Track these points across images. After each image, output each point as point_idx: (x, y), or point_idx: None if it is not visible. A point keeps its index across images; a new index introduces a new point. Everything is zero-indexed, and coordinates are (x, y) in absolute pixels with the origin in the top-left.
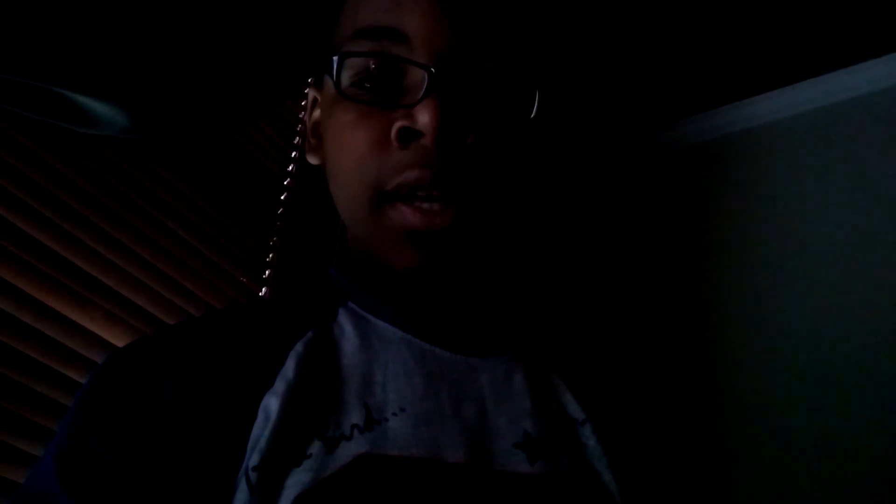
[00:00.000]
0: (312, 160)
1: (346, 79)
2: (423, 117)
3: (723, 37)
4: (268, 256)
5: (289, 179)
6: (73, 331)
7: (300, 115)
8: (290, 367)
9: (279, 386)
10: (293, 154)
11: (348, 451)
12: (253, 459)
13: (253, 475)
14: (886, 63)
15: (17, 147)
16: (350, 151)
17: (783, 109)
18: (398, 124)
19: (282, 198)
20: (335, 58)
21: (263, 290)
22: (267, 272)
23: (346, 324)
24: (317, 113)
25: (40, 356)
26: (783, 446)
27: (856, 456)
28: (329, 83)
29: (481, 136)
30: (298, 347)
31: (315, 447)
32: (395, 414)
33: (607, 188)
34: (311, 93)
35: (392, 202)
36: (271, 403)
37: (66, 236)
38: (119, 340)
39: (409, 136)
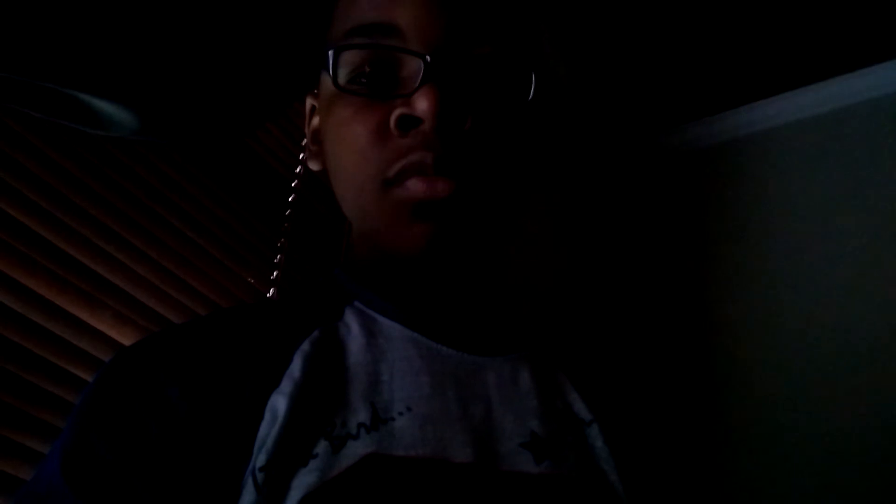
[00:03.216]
0: (314, 166)
1: (342, 76)
2: (422, 104)
3: (732, 39)
4: (275, 257)
5: (296, 181)
6: (83, 330)
7: (307, 114)
8: (296, 366)
9: (286, 385)
10: (300, 155)
11: (355, 450)
12: (260, 459)
13: (260, 475)
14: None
15: (28, 148)
16: (351, 145)
17: (791, 113)
18: (397, 112)
19: (289, 199)
20: (330, 52)
21: (271, 290)
22: (274, 273)
23: (352, 323)
24: (315, 121)
25: (50, 355)
26: (789, 448)
27: (860, 459)
28: (326, 83)
29: (480, 119)
30: (305, 346)
31: (321, 447)
32: (401, 413)
33: (615, 189)
34: (308, 101)
35: (399, 182)
36: (278, 403)
37: (76, 236)
38: (127, 340)
39: (409, 123)
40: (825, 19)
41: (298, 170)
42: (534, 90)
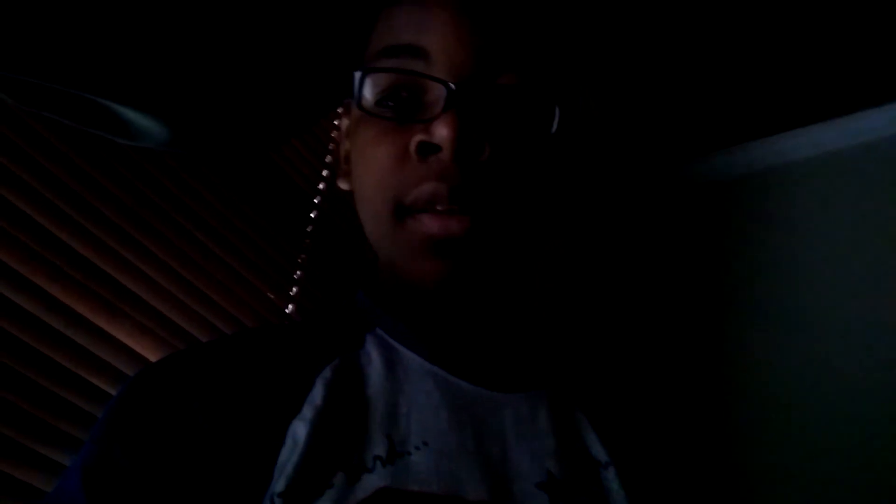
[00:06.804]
0: (343, 185)
1: (370, 97)
2: (441, 131)
3: (757, 72)
4: (295, 273)
5: (319, 198)
6: (102, 339)
7: (332, 134)
8: (318, 393)
9: (307, 412)
10: (324, 172)
11: (370, 483)
12: (279, 485)
13: (277, 501)
14: None
15: (56, 155)
16: (372, 167)
17: (816, 146)
18: (417, 138)
19: (311, 215)
20: (357, 74)
21: (290, 307)
22: (294, 289)
23: (373, 352)
24: (348, 142)
25: (69, 363)
26: (811, 489)
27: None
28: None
29: (499, 149)
30: (326, 373)
31: (338, 477)
32: (417, 448)
33: (636, 219)
34: (344, 121)
35: (412, 214)
36: (299, 430)
37: (99, 245)
38: (146, 351)
39: (428, 149)
40: (851, 53)
41: (321, 186)
42: (557, 123)
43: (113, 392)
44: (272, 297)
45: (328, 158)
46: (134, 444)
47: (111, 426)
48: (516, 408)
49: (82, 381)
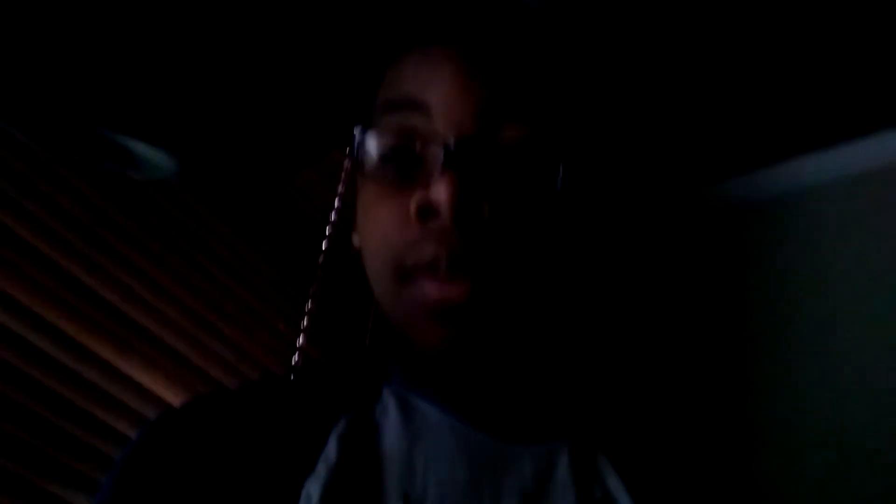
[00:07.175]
0: (356, 242)
1: (374, 154)
2: (439, 195)
3: (781, 93)
4: (306, 304)
5: (330, 228)
6: (111, 374)
7: (344, 164)
8: (332, 449)
9: (321, 470)
10: (335, 203)
11: None
12: None
13: None
14: None
15: (65, 187)
16: (373, 229)
17: (838, 169)
18: (415, 202)
19: (322, 246)
20: (356, 131)
21: (301, 337)
22: (305, 320)
23: (389, 404)
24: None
25: (77, 399)
26: None
27: None
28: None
29: (501, 209)
30: (341, 427)
31: None
32: None
33: (655, 243)
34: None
35: (413, 279)
36: (314, 490)
37: (108, 278)
38: (156, 386)
39: (428, 212)
40: (878, 73)
41: (333, 217)
42: (562, 180)
43: (119, 427)
44: (283, 328)
45: (340, 188)
46: (151, 492)
47: (129, 471)
48: (536, 461)
49: (91, 417)
